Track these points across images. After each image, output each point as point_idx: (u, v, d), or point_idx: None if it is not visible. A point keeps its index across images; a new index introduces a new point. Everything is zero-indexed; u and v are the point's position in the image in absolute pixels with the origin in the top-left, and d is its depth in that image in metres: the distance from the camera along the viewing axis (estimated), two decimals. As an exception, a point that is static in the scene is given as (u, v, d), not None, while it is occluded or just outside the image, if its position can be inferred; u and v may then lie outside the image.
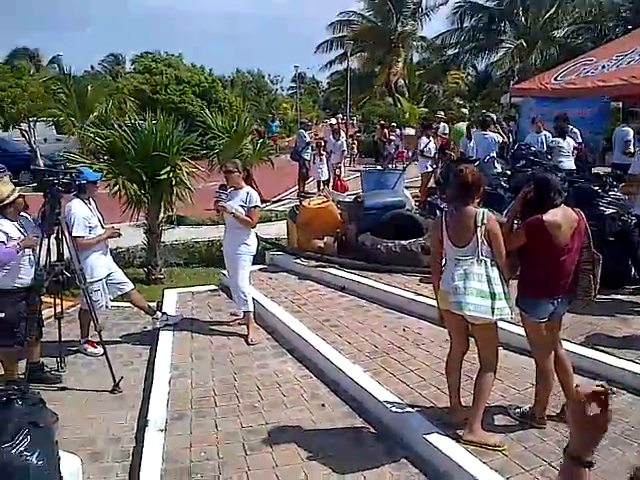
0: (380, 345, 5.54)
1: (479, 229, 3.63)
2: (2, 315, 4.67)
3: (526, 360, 4.84)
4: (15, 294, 4.73)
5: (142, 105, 13.41)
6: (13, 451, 3.22)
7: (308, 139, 15.65)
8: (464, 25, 32.03)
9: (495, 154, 10.31)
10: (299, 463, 3.83)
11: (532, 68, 26.02)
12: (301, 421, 4.37)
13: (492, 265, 3.63)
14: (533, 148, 9.41)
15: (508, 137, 12.98)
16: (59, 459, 3.43)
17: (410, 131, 25.02)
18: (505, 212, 4.51)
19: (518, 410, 4.08)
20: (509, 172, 8.71)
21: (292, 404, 4.63)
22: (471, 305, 3.52)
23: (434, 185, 11.40)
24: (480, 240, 3.62)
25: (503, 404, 4.24)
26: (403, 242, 7.60)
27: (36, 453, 3.28)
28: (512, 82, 23.72)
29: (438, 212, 9.35)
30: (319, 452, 3.92)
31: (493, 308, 3.54)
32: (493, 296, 3.54)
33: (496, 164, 9.22)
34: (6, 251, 4.55)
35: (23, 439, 3.30)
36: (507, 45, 29.77)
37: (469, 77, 38.20)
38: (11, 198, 4.68)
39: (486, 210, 3.73)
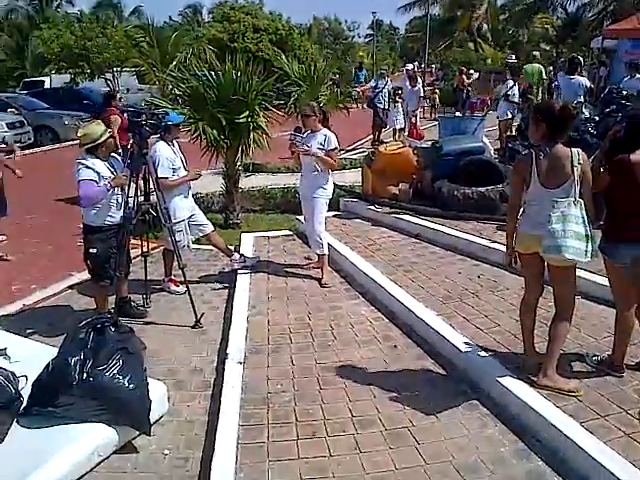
0: (454, 291, 5.51)
1: (576, 169, 3.49)
2: (94, 251, 4.93)
3: (604, 309, 4.79)
4: (106, 231, 4.97)
5: (220, 53, 13.48)
6: (107, 373, 3.48)
7: (385, 86, 15.29)
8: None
9: (583, 99, 9.79)
10: (371, 399, 3.92)
11: (630, 8, 24.17)
12: (373, 360, 4.44)
13: (584, 206, 3.51)
14: (625, 92, 8.86)
15: (598, 83, 12.25)
16: (148, 384, 3.68)
17: (472, 74, 23.75)
18: (591, 158, 4.30)
19: (595, 357, 4.00)
20: (597, 118, 8.27)
21: (365, 344, 4.71)
22: (570, 248, 3.41)
23: (515, 132, 10.98)
24: (577, 181, 3.49)
25: (579, 352, 4.16)
26: (481, 189, 7.43)
27: (127, 376, 3.52)
28: (606, 24, 22.18)
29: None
30: (391, 390, 4.00)
31: (586, 250, 3.44)
32: (587, 238, 3.44)
33: (584, 109, 8.77)
34: (97, 189, 4.77)
35: (116, 363, 3.56)
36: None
37: (558, 20, 36.03)
38: (103, 138, 4.85)
39: (579, 150, 3.58)
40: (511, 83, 11.95)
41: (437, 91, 24.31)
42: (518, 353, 4.17)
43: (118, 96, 11.36)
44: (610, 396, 3.64)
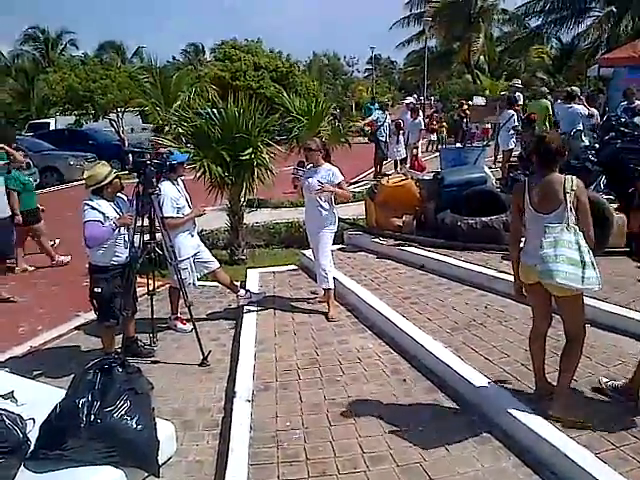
0: (461, 322, 5.49)
1: (568, 195, 3.51)
2: (99, 290, 4.95)
3: (615, 337, 4.76)
4: (111, 271, 5.00)
5: (222, 91, 13.69)
6: (115, 415, 3.45)
7: (385, 119, 15.47)
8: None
9: (582, 127, 9.87)
10: (382, 434, 3.88)
11: (623, 36, 24.52)
12: (382, 395, 4.40)
13: (580, 232, 3.51)
14: (623, 119, 8.93)
15: (599, 110, 12.34)
16: (156, 425, 3.65)
17: (479, 100, 23.77)
18: (593, 186, 4.34)
19: (611, 384, 3.93)
20: (597, 145, 8.32)
21: (373, 378, 4.68)
22: (562, 272, 3.39)
23: (516, 161, 11.04)
24: (569, 206, 3.51)
25: (591, 381, 4.10)
26: (484, 219, 7.44)
27: (135, 417, 3.49)
28: (601, 52, 22.47)
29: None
30: (401, 425, 3.96)
31: (583, 277, 3.40)
32: (583, 264, 3.41)
33: (583, 137, 8.83)
34: (103, 229, 4.81)
35: (124, 404, 3.52)
36: (595, 13, 28.17)
37: (553, 50, 36.55)
38: (108, 179, 4.91)
39: (574, 177, 3.62)
40: (511, 113, 12.05)
41: (445, 124, 23.72)
42: (529, 384, 4.13)
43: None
44: (625, 425, 3.58)
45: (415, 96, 29.87)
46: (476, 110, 22.25)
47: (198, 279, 6.20)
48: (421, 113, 17.18)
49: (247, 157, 7.67)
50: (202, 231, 8.08)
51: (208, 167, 7.61)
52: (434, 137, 22.54)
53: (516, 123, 12.09)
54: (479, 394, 4.17)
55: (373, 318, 5.92)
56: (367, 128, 17.98)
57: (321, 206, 6.02)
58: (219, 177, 7.75)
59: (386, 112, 15.73)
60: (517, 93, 15.58)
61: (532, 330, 4.01)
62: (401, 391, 4.46)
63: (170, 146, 7.15)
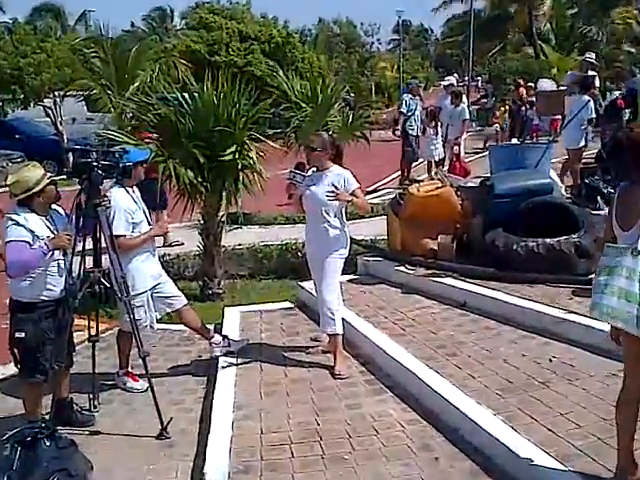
0: (516, 380, 5.43)
1: None
2: (22, 335, 4.92)
3: None
4: (40, 309, 4.98)
5: (196, 70, 13.76)
6: (40, 505, 3.47)
7: (416, 107, 15.56)
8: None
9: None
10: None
11: None
12: (407, 479, 4.36)
13: None
14: None
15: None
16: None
17: (546, 84, 23.56)
18: None
19: None
20: None
21: (394, 456, 4.63)
22: (605, 307, 3.45)
23: (593, 162, 11.01)
24: None
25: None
26: (549, 240, 7.37)
27: (68, 510, 3.52)
28: None
29: (600, 199, 9.04)
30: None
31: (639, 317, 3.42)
32: None
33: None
34: (31, 253, 4.79)
35: (52, 490, 3.54)
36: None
37: (643, 14, 36.75)
38: (41, 185, 4.91)
39: None
40: (585, 99, 12.07)
41: (504, 109, 23.51)
42: (607, 464, 4.06)
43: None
44: None
45: (456, 76, 30.02)
46: (544, 98, 21.85)
47: (158, 320, 6.19)
48: (465, 99, 17.21)
49: (229, 157, 7.69)
50: (165, 256, 8.13)
51: (175, 170, 7.60)
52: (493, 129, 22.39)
53: (593, 114, 12.03)
54: (540, 478, 4.12)
55: (395, 375, 5.88)
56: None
57: (328, 222, 6.02)
58: (189, 183, 7.75)
59: (417, 97, 15.79)
60: (590, 72, 15.53)
61: (621, 392, 3.95)
62: (433, 474, 4.41)
63: (125, 142, 7.19)
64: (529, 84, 22.67)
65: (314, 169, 6.21)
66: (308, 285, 7.44)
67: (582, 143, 12.12)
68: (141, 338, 5.45)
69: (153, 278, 5.97)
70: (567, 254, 7.29)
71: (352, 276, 8.48)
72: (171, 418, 5.31)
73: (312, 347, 6.66)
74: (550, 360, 5.78)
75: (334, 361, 6.15)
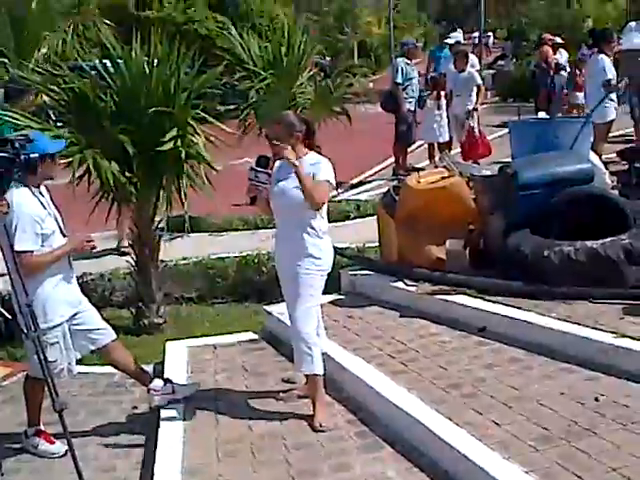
0: (554, 427, 4.80)
1: None
2: None
3: None
4: None
5: (120, 29, 13.02)
6: None
7: (414, 74, 14.60)
8: None
9: None
10: None
11: None
12: None
13: None
14: None
15: None
16: None
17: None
18: None
19: None
20: None
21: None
22: None
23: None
24: None
25: None
26: (591, 243, 6.68)
27: None
28: None
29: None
30: None
31: None
32: None
33: None
34: None
35: None
36: None
37: None
38: None
39: None
40: (599, 58, 11.49)
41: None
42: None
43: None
44: None
45: (460, 31, 27.19)
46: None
47: (78, 362, 5.59)
48: (475, 60, 15.98)
49: (168, 145, 7.07)
50: (84, 275, 7.98)
51: (95, 163, 7.08)
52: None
53: (610, 75, 11.35)
54: None
55: (395, 425, 5.28)
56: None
57: (305, 227, 5.35)
58: (115, 180, 7.19)
59: (412, 62, 14.71)
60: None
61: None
62: None
63: (28, 126, 6.71)
64: (555, 38, 20.36)
65: (280, 160, 5.50)
66: (277, 310, 7.00)
67: (611, 116, 11.56)
68: (56, 386, 4.78)
69: (71, 306, 5.38)
70: (614, 261, 6.63)
71: (335, 296, 7.82)
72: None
73: (284, 392, 6.00)
74: (597, 399, 5.18)
75: (313, 409, 5.50)
